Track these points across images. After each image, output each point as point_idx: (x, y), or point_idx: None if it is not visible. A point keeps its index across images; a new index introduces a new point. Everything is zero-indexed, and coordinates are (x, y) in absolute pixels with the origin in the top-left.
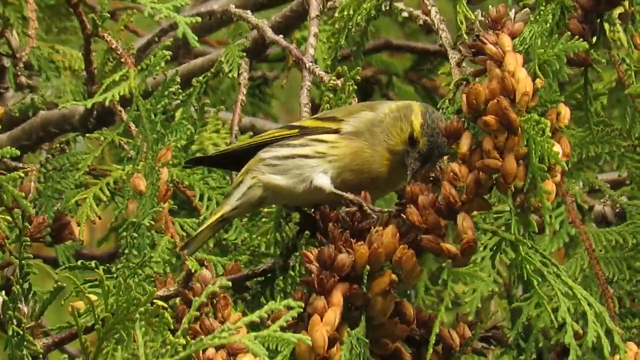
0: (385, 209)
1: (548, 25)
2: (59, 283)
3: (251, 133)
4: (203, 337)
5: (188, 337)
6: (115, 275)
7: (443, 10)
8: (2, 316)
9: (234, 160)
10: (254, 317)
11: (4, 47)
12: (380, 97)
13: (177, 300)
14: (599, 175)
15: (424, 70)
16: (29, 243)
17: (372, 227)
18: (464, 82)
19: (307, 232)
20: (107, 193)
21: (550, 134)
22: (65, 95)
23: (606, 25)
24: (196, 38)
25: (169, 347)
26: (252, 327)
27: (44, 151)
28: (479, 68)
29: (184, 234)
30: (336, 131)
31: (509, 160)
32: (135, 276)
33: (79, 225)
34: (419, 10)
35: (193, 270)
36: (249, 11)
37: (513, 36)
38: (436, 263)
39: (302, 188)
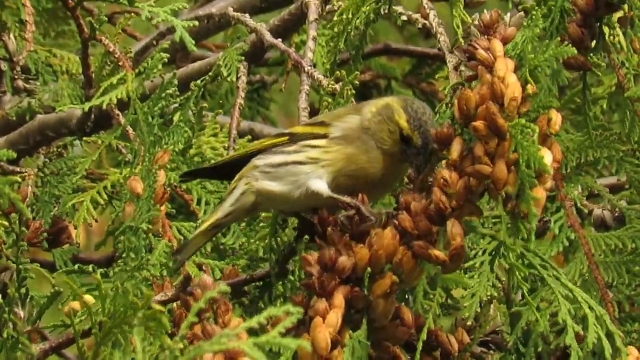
0: (383, 211)
1: (539, 29)
2: (56, 287)
3: (249, 137)
4: (201, 342)
5: (186, 341)
6: (112, 279)
7: (442, 14)
8: None
9: (229, 170)
10: (254, 322)
11: (1, 50)
12: None
13: (175, 304)
14: (598, 179)
15: (422, 75)
16: (26, 247)
17: (372, 230)
18: (460, 87)
19: (306, 236)
20: (105, 196)
21: (538, 140)
22: (62, 98)
23: (605, 29)
24: (193, 42)
25: (167, 352)
26: (251, 332)
27: (42, 155)
28: (473, 72)
29: (182, 238)
30: (325, 136)
31: (499, 167)
32: (133, 280)
33: (76, 228)
34: (418, 13)
35: (192, 275)
36: (247, 15)
37: (505, 41)
38: (435, 268)
39: (298, 194)
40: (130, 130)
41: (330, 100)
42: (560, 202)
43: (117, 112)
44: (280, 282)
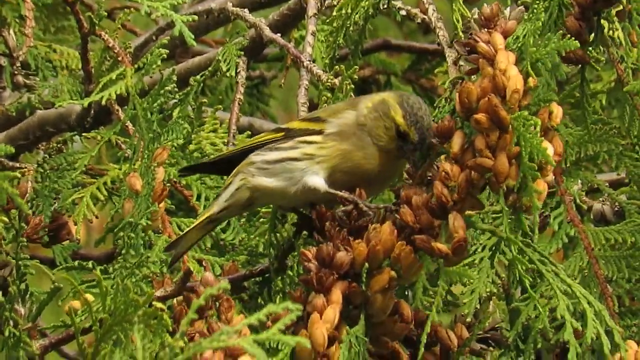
0: (381, 205)
1: (540, 23)
2: (56, 284)
3: (249, 132)
4: (202, 339)
5: (186, 339)
6: (112, 275)
7: (441, 9)
8: None
9: (228, 166)
10: (253, 319)
11: (1, 46)
12: None
13: (175, 300)
14: (597, 175)
15: (422, 70)
16: (25, 243)
17: (370, 225)
18: (460, 81)
19: (304, 232)
20: (105, 192)
21: (541, 132)
22: (62, 94)
23: (604, 23)
24: (193, 36)
25: (167, 349)
26: (251, 328)
27: (41, 151)
28: (474, 66)
29: (181, 234)
30: (320, 132)
31: (501, 159)
32: (133, 276)
33: (75, 224)
34: (417, 8)
35: (193, 271)
36: (246, 10)
37: (506, 35)
38: (434, 264)
39: (295, 189)
40: (130, 126)
41: (329, 95)
42: (560, 197)
43: (116, 107)
44: (280, 278)
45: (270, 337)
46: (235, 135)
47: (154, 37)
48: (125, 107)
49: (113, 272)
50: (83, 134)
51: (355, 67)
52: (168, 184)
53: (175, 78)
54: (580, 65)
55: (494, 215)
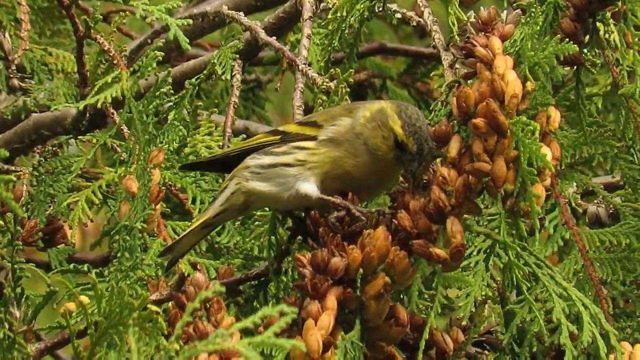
0: (374, 209)
1: (538, 27)
2: (52, 287)
3: (244, 136)
4: (197, 342)
5: (181, 341)
6: (107, 278)
7: (436, 13)
8: None
9: (225, 165)
10: (248, 322)
11: None
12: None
13: (170, 304)
14: (592, 178)
15: (417, 74)
16: (21, 247)
17: (364, 230)
18: (456, 84)
19: (299, 237)
20: (100, 196)
21: (539, 137)
22: (57, 97)
23: (600, 26)
24: (187, 40)
25: (162, 352)
26: (246, 332)
27: (37, 154)
28: (471, 70)
29: (176, 237)
30: (314, 138)
31: (498, 164)
32: (128, 279)
33: (71, 228)
34: (413, 11)
35: (186, 274)
36: (241, 13)
37: (504, 38)
38: (430, 267)
39: (288, 195)
40: (125, 129)
41: (324, 98)
42: (555, 200)
43: (112, 110)
44: (274, 282)
45: (265, 340)
46: (230, 138)
47: (149, 41)
48: (121, 110)
49: (108, 275)
50: (78, 137)
51: (351, 70)
52: (163, 187)
53: (170, 80)
54: (575, 67)
55: (489, 218)
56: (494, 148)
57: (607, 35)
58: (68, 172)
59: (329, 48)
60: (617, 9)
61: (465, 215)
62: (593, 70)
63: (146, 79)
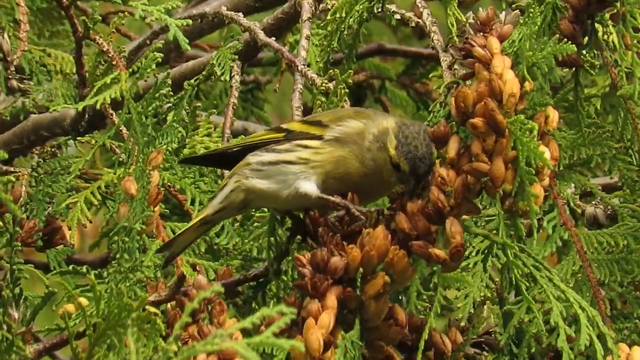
0: (373, 209)
1: (537, 27)
2: (50, 288)
3: (243, 137)
4: (195, 343)
5: (180, 343)
6: (106, 280)
7: (435, 14)
8: None
9: (226, 161)
10: (247, 323)
11: None
12: (373, 101)
13: (169, 305)
14: (591, 179)
15: (416, 75)
16: (20, 248)
17: (363, 229)
18: (455, 85)
19: (298, 237)
20: (99, 197)
21: (537, 137)
22: (56, 98)
23: (598, 27)
24: (187, 41)
25: (160, 353)
26: (245, 332)
27: (35, 155)
28: (469, 71)
29: (175, 235)
30: (320, 137)
31: (497, 164)
32: (127, 281)
33: (70, 229)
34: (411, 12)
35: (187, 275)
36: (240, 14)
37: (502, 39)
38: (428, 268)
39: (287, 193)
40: (124, 130)
41: (323, 99)
42: (553, 200)
43: (111, 111)
44: (274, 282)
45: (264, 340)
46: (229, 139)
47: (148, 42)
48: (120, 111)
49: (107, 277)
50: (77, 138)
51: (350, 71)
52: (162, 188)
53: (170, 82)
54: (574, 69)
55: (486, 219)
56: (493, 148)
57: (605, 37)
58: (67, 173)
59: (328, 49)
60: (616, 11)
61: (464, 216)
62: (592, 72)
63: (145, 80)
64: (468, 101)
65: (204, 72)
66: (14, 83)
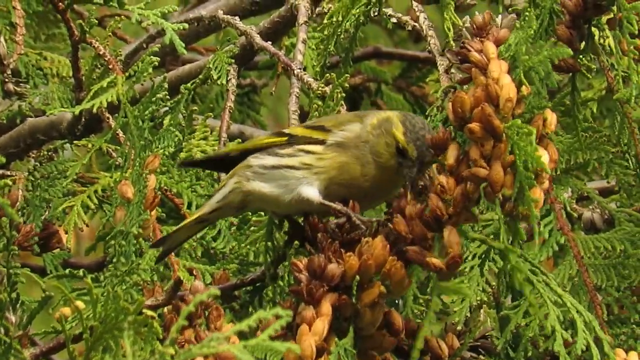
0: (374, 219)
1: (532, 31)
2: (47, 292)
3: (239, 140)
4: (192, 346)
5: (177, 346)
6: (103, 283)
7: (431, 18)
8: None
9: (224, 165)
10: (243, 326)
11: None
12: (369, 104)
13: (165, 309)
14: (587, 183)
15: (413, 78)
16: (17, 252)
17: (362, 238)
18: (452, 90)
19: (296, 242)
20: (95, 201)
21: (535, 140)
22: (53, 102)
23: (595, 31)
24: (183, 45)
25: (157, 356)
26: (241, 336)
27: (32, 159)
28: (466, 75)
29: (169, 232)
30: (322, 142)
31: (496, 169)
32: (123, 284)
33: (66, 233)
34: (408, 16)
35: (183, 280)
36: (237, 17)
37: (498, 43)
38: (425, 272)
39: (289, 198)
40: (121, 134)
41: (320, 103)
42: (550, 205)
43: (107, 115)
44: (270, 287)
45: (260, 343)
46: (225, 142)
47: (144, 45)
48: (116, 115)
49: (104, 280)
50: (74, 142)
51: (346, 75)
52: (159, 192)
53: (166, 86)
54: (571, 74)
55: (483, 224)
56: (491, 153)
57: (601, 40)
58: (63, 177)
59: (325, 53)
60: (612, 16)
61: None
62: (588, 76)
63: (142, 84)
64: (465, 106)
65: (200, 76)
66: (11, 86)
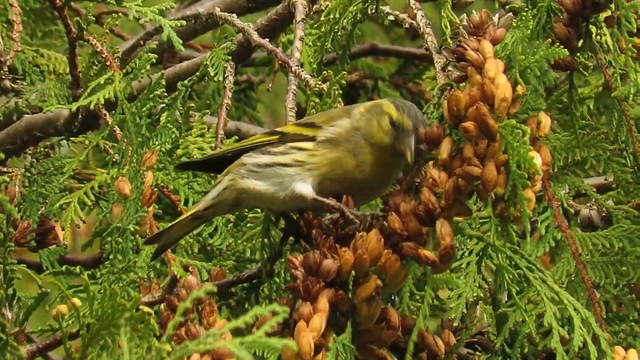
0: (368, 213)
1: (529, 31)
2: (43, 289)
3: (236, 137)
4: (188, 343)
5: (173, 342)
6: (99, 280)
7: (429, 16)
8: None
9: (220, 165)
10: (240, 322)
11: None
12: (365, 101)
13: (162, 306)
14: (585, 180)
15: (409, 75)
16: (13, 248)
17: (356, 233)
18: (448, 87)
19: (291, 238)
20: (92, 197)
21: (528, 141)
22: (49, 99)
23: (592, 29)
24: (181, 41)
25: (154, 353)
26: (237, 333)
27: (29, 155)
28: (463, 73)
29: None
30: (312, 139)
31: (489, 168)
32: (120, 281)
33: (63, 229)
34: (405, 13)
35: (178, 276)
36: (234, 14)
37: (495, 42)
38: (421, 268)
39: (283, 195)
40: (118, 131)
41: (317, 100)
42: (547, 202)
43: (104, 112)
44: (266, 283)
45: (256, 339)
46: (222, 139)
47: (141, 42)
48: (113, 111)
49: (100, 277)
50: (71, 139)
51: (344, 72)
52: (156, 189)
53: (163, 82)
54: (568, 72)
55: (481, 221)
56: (485, 152)
57: (599, 38)
58: (60, 173)
59: (322, 50)
60: (611, 14)
61: (457, 218)
62: (585, 73)
63: (139, 81)
64: (460, 105)
65: (197, 73)
66: (7, 83)
